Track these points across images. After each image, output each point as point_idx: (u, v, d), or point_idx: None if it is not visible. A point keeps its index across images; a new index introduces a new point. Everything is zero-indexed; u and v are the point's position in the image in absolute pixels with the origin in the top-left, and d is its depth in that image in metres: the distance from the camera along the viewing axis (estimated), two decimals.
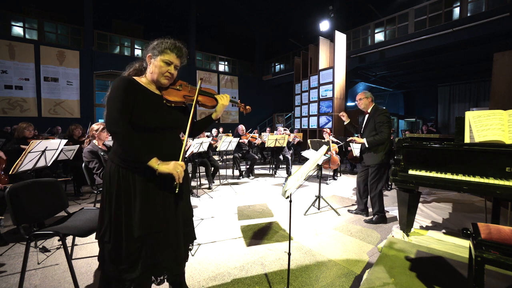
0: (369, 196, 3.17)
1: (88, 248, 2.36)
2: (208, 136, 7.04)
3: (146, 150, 1.21)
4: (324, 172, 6.24)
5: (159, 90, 1.37)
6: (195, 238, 1.52)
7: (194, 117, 1.48)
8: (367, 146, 3.04)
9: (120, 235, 1.23)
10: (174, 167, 1.21)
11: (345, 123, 3.46)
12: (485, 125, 1.91)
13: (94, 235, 2.38)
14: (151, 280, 1.31)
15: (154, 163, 1.19)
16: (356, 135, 3.37)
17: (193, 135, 1.57)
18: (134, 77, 1.32)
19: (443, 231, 2.57)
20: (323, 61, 9.29)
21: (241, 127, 6.41)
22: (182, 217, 1.39)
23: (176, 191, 1.23)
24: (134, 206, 1.24)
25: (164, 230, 1.29)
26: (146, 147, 1.23)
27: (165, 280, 1.38)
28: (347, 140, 3.43)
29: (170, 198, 1.32)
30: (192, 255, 2.19)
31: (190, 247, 1.52)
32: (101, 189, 2.85)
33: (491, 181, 1.73)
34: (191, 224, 1.49)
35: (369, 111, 3.16)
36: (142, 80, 1.34)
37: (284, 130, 7.11)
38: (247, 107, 1.67)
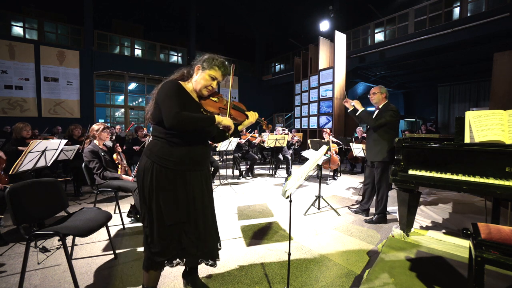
0: (375, 196, 3.14)
1: (88, 248, 2.36)
2: None
3: (205, 116, 1.39)
4: (324, 172, 6.24)
5: (198, 98, 1.51)
6: (219, 240, 1.65)
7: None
8: (357, 114, 3.10)
9: (153, 222, 1.40)
10: (231, 121, 1.46)
11: (349, 110, 3.28)
12: (485, 125, 1.91)
13: (94, 235, 2.39)
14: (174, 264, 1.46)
15: (218, 118, 1.41)
16: (356, 134, 3.35)
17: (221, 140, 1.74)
18: (180, 82, 1.46)
19: (443, 231, 2.57)
20: (323, 61, 9.29)
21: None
22: (211, 210, 1.56)
23: (229, 137, 1.53)
24: (168, 198, 1.39)
25: (190, 220, 1.44)
26: (184, 144, 1.40)
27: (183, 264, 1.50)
28: (343, 102, 3.34)
29: (199, 195, 1.47)
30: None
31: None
32: (101, 189, 2.86)
33: (491, 181, 1.73)
34: (215, 226, 1.63)
35: (380, 107, 3.10)
36: (187, 86, 1.49)
37: (283, 130, 7.11)
38: (269, 125, 1.79)
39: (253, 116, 1.63)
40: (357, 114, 3.11)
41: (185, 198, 1.43)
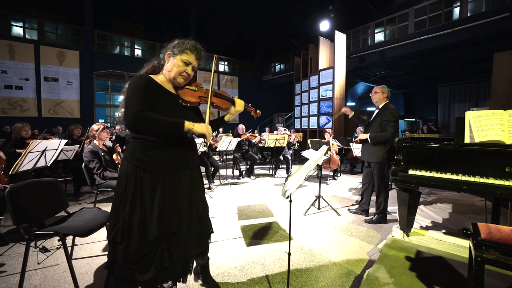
0: (375, 197, 3.14)
1: (88, 248, 2.36)
2: None
3: (172, 119, 1.21)
4: (324, 172, 6.24)
5: (175, 89, 1.39)
6: (212, 232, 1.56)
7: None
8: (369, 142, 3.02)
9: (134, 236, 1.23)
10: (207, 128, 1.30)
11: (349, 116, 3.43)
12: (485, 125, 1.91)
13: (94, 235, 2.39)
14: (162, 283, 1.33)
15: (189, 124, 1.24)
16: (356, 134, 3.37)
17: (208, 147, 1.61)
18: (151, 75, 1.33)
19: (443, 231, 2.57)
20: (323, 61, 9.29)
21: (241, 126, 6.42)
22: (197, 214, 1.42)
23: (206, 149, 1.39)
24: (151, 207, 1.26)
25: (180, 231, 1.31)
26: (163, 144, 1.27)
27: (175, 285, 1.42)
28: (356, 141, 3.42)
29: (185, 198, 1.35)
30: None
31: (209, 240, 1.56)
32: (101, 189, 2.86)
33: (491, 181, 1.73)
34: (207, 219, 1.51)
35: (380, 107, 3.09)
36: (158, 78, 1.35)
37: (285, 130, 7.11)
38: (258, 111, 1.71)
39: (240, 104, 1.53)
40: (369, 141, 3.04)
41: (173, 204, 1.30)
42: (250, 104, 1.68)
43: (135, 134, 1.29)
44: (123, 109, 1.27)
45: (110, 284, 1.30)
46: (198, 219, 1.42)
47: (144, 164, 1.25)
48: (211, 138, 1.31)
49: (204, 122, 1.38)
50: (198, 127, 1.27)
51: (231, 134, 7.62)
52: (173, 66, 1.33)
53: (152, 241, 1.24)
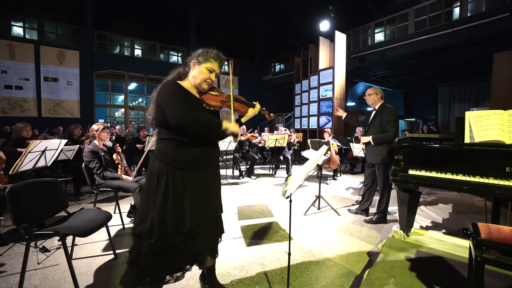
0: (377, 197, 3.14)
1: (88, 248, 2.36)
2: None
3: (213, 123, 1.37)
4: (324, 172, 6.24)
5: (198, 94, 1.49)
6: (223, 232, 1.63)
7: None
8: (372, 144, 3.01)
9: (167, 229, 1.32)
10: (237, 127, 1.46)
11: (343, 118, 3.47)
12: (485, 125, 1.91)
13: (94, 235, 2.39)
14: (185, 270, 1.43)
15: (225, 123, 1.40)
16: (356, 134, 3.37)
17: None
18: (178, 81, 1.44)
19: (443, 231, 2.57)
20: (323, 61, 9.29)
21: (242, 127, 6.42)
22: (217, 209, 1.55)
23: (236, 142, 1.44)
24: (182, 201, 1.36)
25: (206, 223, 1.42)
26: (193, 144, 1.37)
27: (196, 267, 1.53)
28: (360, 143, 3.44)
29: (210, 192, 1.47)
30: None
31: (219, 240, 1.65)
32: (101, 189, 2.86)
33: (491, 181, 1.73)
34: (221, 219, 1.61)
35: (376, 108, 3.09)
36: (184, 83, 1.45)
37: (285, 130, 7.10)
38: (271, 114, 1.80)
39: (256, 107, 1.64)
40: (372, 143, 3.02)
41: (201, 199, 1.41)
42: (264, 108, 1.78)
43: (165, 135, 1.38)
44: (151, 115, 1.41)
45: (129, 279, 1.34)
46: (217, 214, 1.56)
47: (176, 163, 1.35)
48: (240, 135, 1.43)
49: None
50: (232, 127, 1.42)
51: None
52: (199, 73, 1.43)
53: (185, 233, 1.35)
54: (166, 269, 1.36)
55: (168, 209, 1.33)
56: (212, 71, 1.45)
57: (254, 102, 1.64)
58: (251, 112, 1.62)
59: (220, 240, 1.64)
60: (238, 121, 1.65)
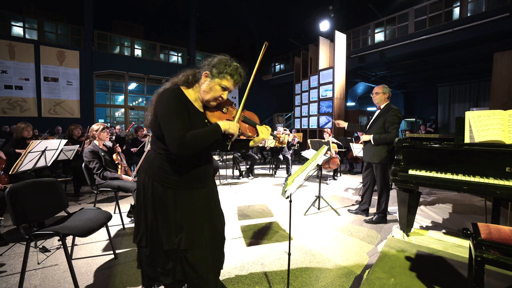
0: (375, 197, 3.14)
1: (88, 248, 2.36)
2: None
3: (209, 129, 1.18)
4: (324, 172, 6.24)
5: (203, 107, 1.33)
6: (224, 256, 1.50)
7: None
8: (372, 143, 2.99)
9: (156, 243, 1.27)
10: (237, 126, 1.25)
11: (346, 128, 3.40)
12: (485, 125, 1.91)
13: (94, 235, 2.39)
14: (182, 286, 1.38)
15: (224, 125, 1.20)
16: (356, 134, 3.35)
17: (229, 151, 1.53)
18: (182, 88, 1.25)
19: (443, 231, 2.57)
20: (323, 61, 9.28)
21: None
22: (216, 230, 1.39)
23: (228, 148, 1.30)
24: (163, 220, 1.26)
25: (193, 248, 1.26)
26: (182, 160, 1.24)
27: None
28: (360, 142, 3.40)
29: (202, 214, 1.32)
30: None
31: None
32: (101, 189, 2.86)
33: (491, 181, 1.73)
34: (224, 235, 1.47)
35: (381, 107, 3.07)
36: (189, 92, 1.27)
37: (284, 130, 7.11)
38: (282, 140, 1.65)
39: (265, 133, 1.39)
40: (372, 142, 3.00)
41: (186, 220, 1.26)
42: (276, 133, 1.62)
43: (156, 145, 1.26)
44: (148, 120, 1.28)
45: (145, 280, 1.39)
46: (218, 235, 1.40)
47: (163, 180, 1.24)
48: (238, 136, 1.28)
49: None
50: (233, 126, 1.22)
51: None
52: (209, 89, 1.23)
53: (165, 252, 1.26)
54: (164, 282, 1.30)
55: (156, 224, 1.26)
56: (226, 89, 1.26)
57: (264, 127, 1.40)
58: (259, 138, 1.40)
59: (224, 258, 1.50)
60: (244, 142, 1.47)
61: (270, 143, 5.72)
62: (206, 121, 1.31)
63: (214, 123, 1.21)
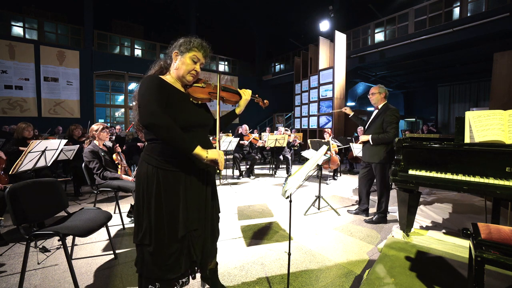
0: (376, 196, 3.14)
1: (88, 248, 2.36)
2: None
3: (189, 138, 1.18)
4: (324, 172, 6.24)
5: (184, 88, 1.38)
6: (219, 234, 1.56)
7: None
8: (371, 143, 3.00)
9: (162, 236, 1.24)
10: (219, 154, 1.24)
11: (350, 116, 3.49)
12: (485, 125, 1.91)
13: (94, 235, 2.39)
14: (189, 277, 1.36)
15: (201, 150, 1.19)
16: (356, 134, 3.38)
17: (221, 130, 1.54)
18: (161, 76, 1.31)
19: (443, 231, 2.57)
20: (323, 61, 9.29)
21: (245, 127, 6.38)
22: (214, 211, 1.47)
23: (220, 178, 1.33)
24: (177, 205, 1.27)
25: (202, 227, 1.34)
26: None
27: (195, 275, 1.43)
28: (358, 142, 3.45)
29: (204, 194, 1.37)
30: None
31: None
32: (101, 189, 2.86)
33: (491, 181, 1.73)
34: (217, 221, 1.54)
35: (379, 107, 3.07)
36: (167, 78, 1.34)
37: (285, 130, 7.11)
38: (265, 101, 1.72)
39: (247, 94, 1.53)
40: (371, 142, 3.01)
41: (195, 201, 1.31)
42: (257, 95, 1.69)
43: (152, 135, 1.28)
44: (135, 116, 1.29)
45: (143, 286, 1.30)
46: (215, 216, 1.48)
47: (166, 164, 1.25)
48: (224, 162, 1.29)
49: (215, 118, 1.43)
50: (212, 154, 1.21)
51: (231, 134, 7.62)
52: (181, 64, 1.32)
53: (180, 239, 1.26)
54: (169, 278, 1.26)
55: (161, 216, 1.24)
56: (197, 61, 1.34)
57: (244, 90, 1.54)
58: (243, 101, 1.52)
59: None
60: (231, 114, 1.56)
61: (270, 143, 5.73)
62: (191, 99, 1.37)
63: (195, 144, 1.19)
